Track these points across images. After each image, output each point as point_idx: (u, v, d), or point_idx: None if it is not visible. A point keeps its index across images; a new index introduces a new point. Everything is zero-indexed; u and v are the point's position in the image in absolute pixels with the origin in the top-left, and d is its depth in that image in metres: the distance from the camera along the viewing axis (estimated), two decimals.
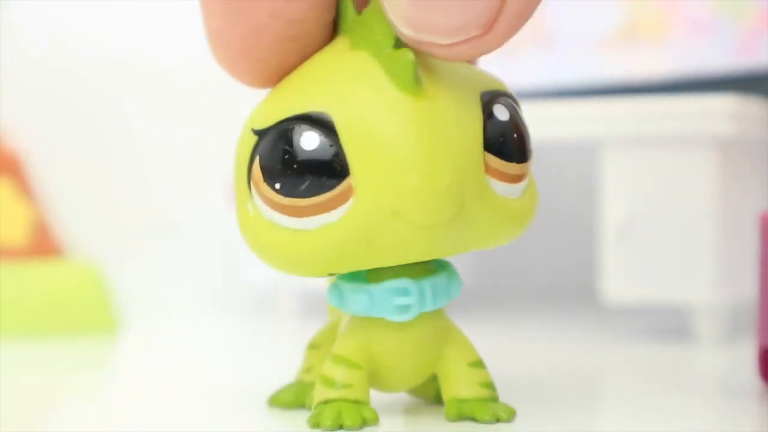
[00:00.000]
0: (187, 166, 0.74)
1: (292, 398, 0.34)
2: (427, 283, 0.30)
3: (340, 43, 0.29)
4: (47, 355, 0.50)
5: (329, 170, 0.28)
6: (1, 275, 0.56)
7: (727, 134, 0.50)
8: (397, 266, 0.30)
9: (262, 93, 0.31)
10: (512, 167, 0.29)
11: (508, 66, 0.59)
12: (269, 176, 0.28)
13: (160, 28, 0.74)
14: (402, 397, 0.34)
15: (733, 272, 0.51)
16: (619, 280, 0.52)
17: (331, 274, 0.30)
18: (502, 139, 0.29)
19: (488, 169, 0.29)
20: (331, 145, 0.28)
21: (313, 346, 0.35)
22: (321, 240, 0.28)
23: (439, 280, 0.30)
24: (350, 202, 0.28)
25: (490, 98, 0.29)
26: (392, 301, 0.30)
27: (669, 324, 0.56)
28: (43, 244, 0.61)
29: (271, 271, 0.63)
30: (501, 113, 0.29)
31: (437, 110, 0.28)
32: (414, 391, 0.34)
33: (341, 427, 0.30)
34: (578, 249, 0.66)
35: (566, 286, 0.69)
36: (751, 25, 0.55)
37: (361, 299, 0.30)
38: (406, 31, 0.27)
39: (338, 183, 0.28)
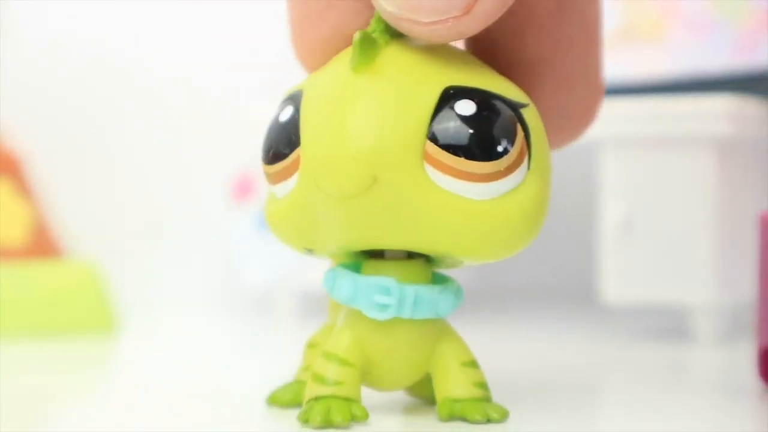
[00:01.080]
0: (187, 166, 0.74)
1: (290, 397, 0.34)
2: (412, 290, 0.30)
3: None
4: (46, 355, 0.50)
5: (286, 140, 0.30)
6: (0, 275, 0.56)
7: (725, 134, 0.50)
8: (395, 265, 0.30)
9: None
10: (463, 163, 0.28)
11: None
12: (262, 148, 0.31)
13: (160, 29, 0.74)
14: (397, 396, 0.34)
15: (732, 272, 0.51)
16: (619, 281, 0.52)
17: (306, 250, 0.31)
18: (452, 133, 0.28)
19: (429, 158, 0.28)
20: (295, 117, 0.30)
21: (311, 345, 0.35)
22: (285, 207, 0.30)
23: (427, 291, 0.30)
24: (297, 172, 0.30)
25: (458, 93, 0.29)
26: (372, 296, 0.30)
27: (668, 324, 0.56)
28: (42, 244, 0.61)
29: (270, 272, 0.63)
30: (464, 109, 0.29)
31: (375, 90, 0.29)
32: (411, 391, 0.34)
33: (330, 423, 0.30)
34: (578, 249, 0.66)
35: (566, 287, 0.69)
36: (750, 26, 0.55)
37: (346, 287, 0.30)
38: (389, 8, 0.28)
39: (291, 152, 0.30)
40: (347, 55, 0.30)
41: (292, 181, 0.30)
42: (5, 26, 0.72)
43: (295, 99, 0.30)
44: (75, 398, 0.40)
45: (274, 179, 0.30)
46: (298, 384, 0.34)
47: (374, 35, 0.29)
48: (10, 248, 0.59)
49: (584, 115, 0.33)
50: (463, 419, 0.31)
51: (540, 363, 0.45)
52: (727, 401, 0.36)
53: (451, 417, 0.31)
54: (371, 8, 0.30)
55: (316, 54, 0.31)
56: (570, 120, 0.33)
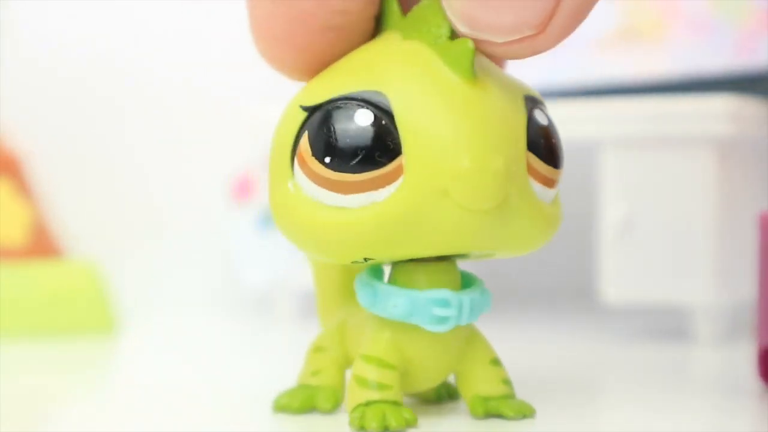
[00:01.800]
0: (187, 166, 0.74)
1: (299, 404, 0.33)
2: (467, 297, 0.30)
3: (391, 36, 0.30)
4: (46, 355, 0.50)
5: (382, 147, 0.28)
6: (0, 275, 0.56)
7: (725, 135, 0.50)
8: (432, 276, 0.31)
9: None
10: (549, 170, 0.30)
11: (507, 66, 0.59)
12: (319, 151, 0.29)
13: (160, 29, 0.74)
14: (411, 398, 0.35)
15: (732, 272, 0.51)
16: (618, 281, 0.52)
17: (366, 259, 0.30)
18: (542, 141, 0.30)
19: (529, 168, 0.29)
20: (384, 123, 0.28)
21: (318, 349, 0.34)
22: (365, 219, 0.29)
23: (477, 294, 0.31)
24: (399, 181, 0.28)
25: (530, 102, 0.30)
26: (432, 311, 0.30)
27: (668, 324, 0.56)
28: (42, 244, 0.61)
29: (270, 272, 0.63)
30: (541, 118, 0.30)
31: (489, 101, 0.29)
32: (416, 393, 0.34)
33: (387, 428, 0.29)
34: (577, 249, 0.66)
35: (566, 287, 0.69)
36: (750, 26, 0.55)
37: (402, 304, 0.30)
38: (462, 29, 0.28)
39: (390, 161, 0.28)
40: (425, 57, 0.29)
41: (385, 191, 0.28)
42: (5, 26, 0.71)
43: (374, 102, 0.28)
44: (75, 398, 0.40)
45: (352, 188, 0.28)
46: (305, 389, 0.34)
47: (463, 39, 0.28)
48: (10, 248, 0.59)
49: None
50: (499, 416, 0.31)
51: (539, 363, 0.45)
52: (727, 401, 0.36)
53: (487, 414, 0.31)
54: (358, 4, 0.29)
55: (290, 35, 0.30)
56: None
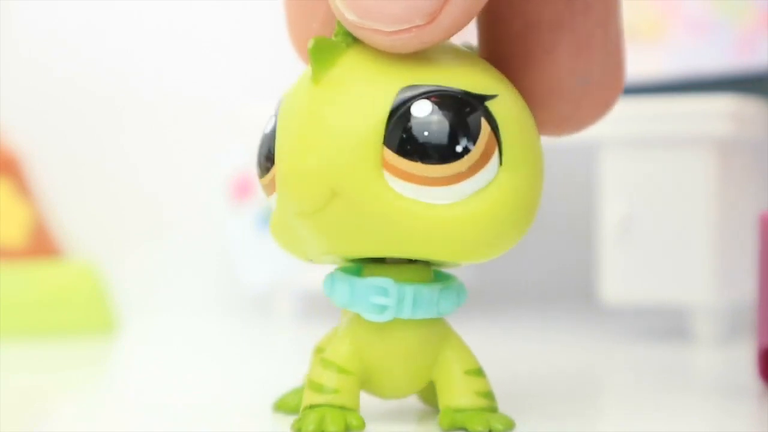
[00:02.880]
0: (187, 166, 0.74)
1: (298, 402, 0.33)
2: (410, 289, 0.29)
3: None
4: (46, 355, 0.50)
5: (267, 152, 0.29)
6: (0, 275, 0.56)
7: (725, 135, 0.50)
8: (395, 268, 0.30)
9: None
10: (420, 168, 0.27)
11: None
12: (255, 159, 0.31)
13: (160, 29, 0.74)
14: (400, 404, 0.34)
15: (731, 273, 0.51)
16: (618, 281, 0.52)
17: (308, 259, 0.31)
18: (406, 137, 0.27)
19: (387, 166, 0.28)
20: (274, 129, 0.29)
21: (320, 350, 0.34)
22: (278, 220, 0.30)
23: (427, 290, 0.30)
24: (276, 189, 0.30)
25: (414, 94, 0.28)
26: (370, 298, 0.29)
27: (668, 324, 0.56)
28: (41, 245, 0.61)
29: (270, 272, 0.63)
30: (420, 110, 0.27)
31: (332, 99, 0.28)
32: (425, 399, 0.33)
33: None
34: (577, 249, 0.66)
35: (565, 287, 0.69)
36: (750, 26, 0.55)
37: (343, 290, 0.30)
38: (350, 17, 0.27)
39: (272, 165, 0.29)
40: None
41: (273, 197, 0.30)
42: (5, 26, 0.71)
43: (277, 109, 0.30)
44: (74, 398, 0.40)
45: (267, 192, 0.30)
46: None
47: (335, 39, 0.28)
48: (10, 248, 0.59)
49: (608, 83, 0.32)
50: (464, 430, 0.30)
51: (539, 363, 0.45)
52: (727, 401, 0.36)
53: (453, 427, 0.30)
54: None
55: (304, 49, 0.30)
56: (592, 86, 0.31)
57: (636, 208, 0.51)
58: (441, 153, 0.27)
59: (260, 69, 0.70)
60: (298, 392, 0.34)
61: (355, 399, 0.30)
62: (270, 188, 0.30)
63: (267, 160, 0.29)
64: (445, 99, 0.28)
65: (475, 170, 0.28)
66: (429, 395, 0.32)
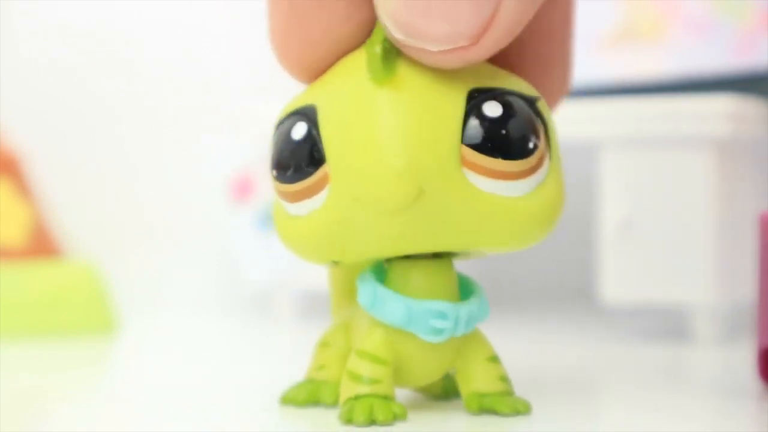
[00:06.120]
0: (187, 166, 0.74)
1: (305, 396, 0.34)
2: (465, 310, 0.31)
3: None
4: (46, 355, 0.50)
5: (308, 157, 0.30)
6: (0, 275, 0.56)
7: (725, 135, 0.50)
8: (428, 279, 0.31)
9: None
10: (501, 164, 0.29)
11: None
12: (271, 165, 0.31)
13: (159, 28, 0.74)
14: (411, 393, 0.35)
15: (731, 273, 0.51)
16: (618, 281, 0.52)
17: (333, 262, 0.31)
18: (486, 135, 0.29)
19: (466, 163, 0.29)
20: (313, 134, 0.30)
21: (324, 344, 0.35)
22: (310, 226, 0.30)
23: (476, 308, 0.31)
24: (326, 189, 0.30)
25: (481, 95, 0.29)
26: (429, 321, 0.30)
27: (668, 324, 0.56)
28: (41, 245, 0.61)
29: (271, 271, 0.63)
30: (491, 110, 0.29)
31: (404, 100, 0.29)
32: (421, 388, 0.34)
33: (373, 422, 0.30)
34: (577, 249, 0.66)
35: (565, 287, 0.69)
36: (750, 26, 0.55)
37: (399, 311, 0.30)
38: (397, 35, 0.28)
39: (315, 170, 0.30)
40: (356, 65, 0.30)
41: (318, 199, 0.30)
42: (5, 26, 0.72)
43: (308, 115, 0.30)
44: (74, 398, 0.40)
45: (295, 197, 0.30)
46: (311, 383, 0.34)
47: (374, 42, 0.29)
48: (10, 248, 0.59)
49: (559, 93, 0.34)
50: (493, 412, 0.31)
51: (539, 363, 0.45)
52: (727, 401, 0.36)
53: (481, 411, 0.32)
54: (361, 12, 0.30)
55: (303, 58, 0.30)
56: (548, 98, 0.33)
57: (636, 208, 0.51)
58: (520, 149, 0.29)
59: (261, 69, 0.70)
60: (302, 386, 0.34)
61: (393, 388, 0.31)
62: (305, 192, 0.30)
63: (308, 164, 0.30)
64: (509, 99, 0.30)
65: (539, 165, 0.30)
66: (427, 385, 0.33)
